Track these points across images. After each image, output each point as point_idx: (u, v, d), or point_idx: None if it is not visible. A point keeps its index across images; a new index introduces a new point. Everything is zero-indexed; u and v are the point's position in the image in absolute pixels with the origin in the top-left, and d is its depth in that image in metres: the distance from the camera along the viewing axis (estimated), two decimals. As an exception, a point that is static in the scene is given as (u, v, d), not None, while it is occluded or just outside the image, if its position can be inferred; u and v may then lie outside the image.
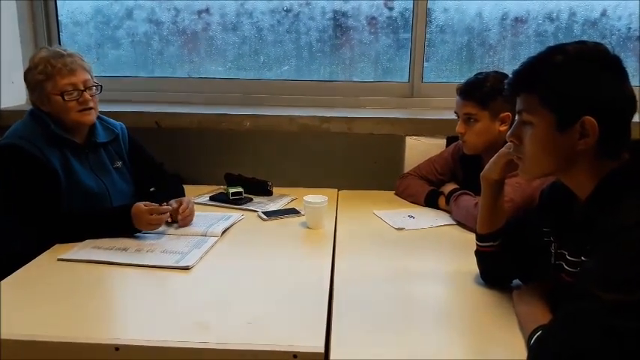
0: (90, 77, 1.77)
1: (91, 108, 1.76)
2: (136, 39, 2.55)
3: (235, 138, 2.32)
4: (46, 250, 1.57)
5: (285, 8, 2.49)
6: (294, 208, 1.98)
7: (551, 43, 1.08)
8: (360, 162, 2.32)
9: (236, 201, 2.04)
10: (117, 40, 2.56)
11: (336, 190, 2.19)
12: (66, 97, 1.71)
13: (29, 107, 1.81)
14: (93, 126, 1.82)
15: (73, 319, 1.22)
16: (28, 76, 1.75)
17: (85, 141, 1.82)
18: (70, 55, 1.75)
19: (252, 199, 2.09)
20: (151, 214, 1.66)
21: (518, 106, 1.10)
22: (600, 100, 1.01)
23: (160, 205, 1.69)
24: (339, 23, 2.49)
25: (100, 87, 1.80)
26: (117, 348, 1.10)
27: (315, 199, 1.79)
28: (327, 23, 2.49)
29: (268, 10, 2.49)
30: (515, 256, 1.30)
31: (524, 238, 1.28)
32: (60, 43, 2.52)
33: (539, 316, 1.10)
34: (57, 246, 1.59)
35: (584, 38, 1.09)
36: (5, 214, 1.67)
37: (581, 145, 1.02)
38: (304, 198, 1.81)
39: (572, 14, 2.44)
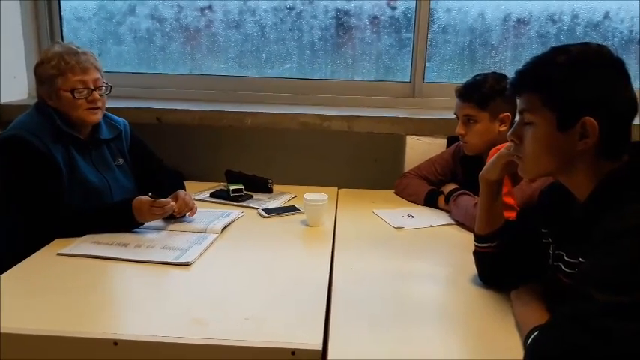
0: (100, 77, 1.79)
1: (98, 107, 1.77)
2: (139, 35, 2.56)
3: (236, 135, 2.32)
4: (46, 245, 1.57)
5: (287, 6, 2.49)
6: (294, 206, 1.98)
7: (554, 45, 1.08)
8: (361, 161, 2.33)
9: (236, 198, 2.04)
10: (119, 36, 2.57)
11: (336, 188, 2.20)
12: (76, 95, 1.72)
13: (31, 101, 1.82)
14: (97, 123, 1.82)
15: (72, 313, 1.22)
16: (39, 69, 1.75)
17: (89, 137, 1.82)
18: (84, 54, 1.76)
19: (252, 197, 2.09)
20: (153, 207, 1.67)
21: (520, 105, 1.10)
22: (601, 102, 1.01)
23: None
24: (342, 22, 2.50)
25: (109, 87, 1.81)
26: (115, 342, 1.11)
27: (315, 197, 1.80)
28: (330, 22, 2.50)
29: (271, 8, 2.49)
30: (513, 257, 1.30)
31: (523, 239, 1.28)
32: (62, 39, 2.52)
33: (537, 316, 1.10)
34: (57, 240, 1.60)
35: (587, 40, 1.09)
36: (6, 207, 1.67)
37: (581, 145, 1.02)
38: (304, 196, 1.81)
39: (575, 16, 2.44)
